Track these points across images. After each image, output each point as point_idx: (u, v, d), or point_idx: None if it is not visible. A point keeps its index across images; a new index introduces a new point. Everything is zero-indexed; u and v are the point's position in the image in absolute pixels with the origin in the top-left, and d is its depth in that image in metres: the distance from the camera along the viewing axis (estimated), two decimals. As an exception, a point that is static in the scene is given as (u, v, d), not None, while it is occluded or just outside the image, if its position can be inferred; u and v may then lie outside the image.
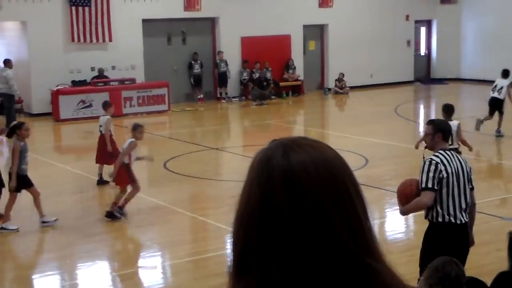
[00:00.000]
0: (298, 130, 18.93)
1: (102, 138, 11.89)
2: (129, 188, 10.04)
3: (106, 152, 11.71)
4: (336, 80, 24.84)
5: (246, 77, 23.46)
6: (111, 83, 20.54)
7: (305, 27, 24.69)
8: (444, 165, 5.95)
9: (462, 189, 6.00)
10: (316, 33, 25.41)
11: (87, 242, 9.07)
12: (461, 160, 6.11)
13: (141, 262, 8.63)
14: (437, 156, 6.00)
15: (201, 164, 13.78)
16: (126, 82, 20.67)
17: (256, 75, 23.29)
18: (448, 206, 5.97)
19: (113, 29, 21.12)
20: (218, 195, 11.38)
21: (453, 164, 6.00)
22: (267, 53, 23.62)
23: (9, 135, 9.79)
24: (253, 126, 19.47)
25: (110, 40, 21.16)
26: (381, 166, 12.98)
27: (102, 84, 20.38)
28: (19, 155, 9.36)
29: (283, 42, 24.22)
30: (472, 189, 6.13)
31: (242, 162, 12.78)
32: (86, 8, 20.76)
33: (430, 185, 5.90)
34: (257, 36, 23.53)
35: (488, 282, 4.72)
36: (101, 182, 11.91)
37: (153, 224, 9.94)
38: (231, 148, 15.29)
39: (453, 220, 5.95)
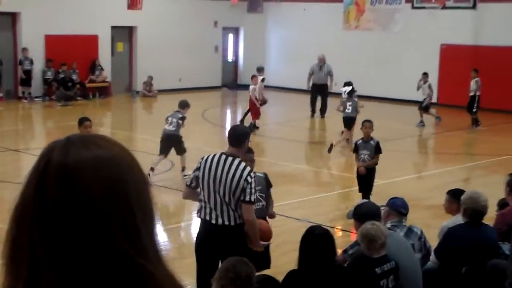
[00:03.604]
0: (105, 132, 18.53)
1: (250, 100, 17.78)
2: None
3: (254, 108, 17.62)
4: (144, 83, 24.70)
5: (51, 77, 22.58)
6: None
7: (113, 28, 24.30)
8: (205, 165, 6.05)
9: (223, 192, 5.95)
10: (124, 34, 25.10)
11: None
12: (233, 166, 5.94)
13: None
14: (207, 156, 6.12)
15: (-2, 167, 13.03)
16: None
17: (61, 75, 22.50)
18: (205, 204, 6.06)
19: None
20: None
21: (214, 166, 5.98)
22: (74, 53, 22.91)
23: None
24: (57, 128, 18.76)
25: None
26: (187, 169, 13.10)
27: None
28: None
29: (90, 42, 23.63)
30: (245, 202, 5.93)
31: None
32: None
33: (188, 183, 6.25)
34: (62, 35, 22.74)
35: (284, 281, 4.93)
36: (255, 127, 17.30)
37: None
38: (32, 150, 14.61)
39: (207, 218, 6.05)
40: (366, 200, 6.03)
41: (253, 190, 5.94)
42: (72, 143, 1.27)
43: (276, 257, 8.01)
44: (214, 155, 6.06)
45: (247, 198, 5.90)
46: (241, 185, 5.89)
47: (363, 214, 5.49)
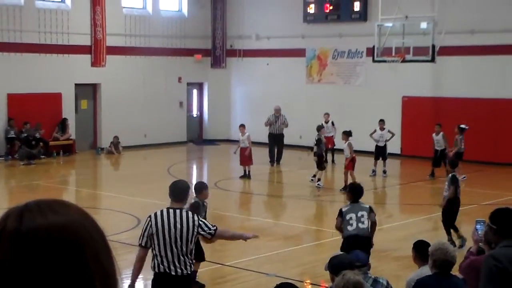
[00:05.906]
0: (69, 190, 18.32)
1: (243, 149, 18.80)
2: None
3: (246, 157, 18.75)
4: (111, 143, 24.40)
5: (13, 135, 22.35)
6: None
7: (77, 85, 24.27)
8: (156, 221, 6.48)
9: (179, 244, 6.44)
10: (88, 92, 25.06)
11: None
12: (183, 218, 6.49)
13: None
14: (154, 213, 6.56)
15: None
16: None
17: (25, 134, 22.28)
18: (162, 258, 6.46)
19: None
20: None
21: (166, 221, 6.45)
22: (37, 111, 22.76)
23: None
24: (20, 187, 18.47)
25: None
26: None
27: None
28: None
29: (54, 100, 23.52)
30: (211, 236, 6.64)
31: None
32: None
33: (143, 244, 6.59)
34: (25, 93, 22.61)
35: None
36: (244, 177, 18.86)
37: None
38: (-6, 210, 14.37)
39: (167, 271, 6.44)
40: (340, 252, 6.16)
41: (207, 225, 6.58)
42: (28, 210, 1.28)
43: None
44: (161, 212, 6.53)
45: (210, 232, 6.56)
46: (196, 232, 6.47)
47: (335, 266, 5.49)
